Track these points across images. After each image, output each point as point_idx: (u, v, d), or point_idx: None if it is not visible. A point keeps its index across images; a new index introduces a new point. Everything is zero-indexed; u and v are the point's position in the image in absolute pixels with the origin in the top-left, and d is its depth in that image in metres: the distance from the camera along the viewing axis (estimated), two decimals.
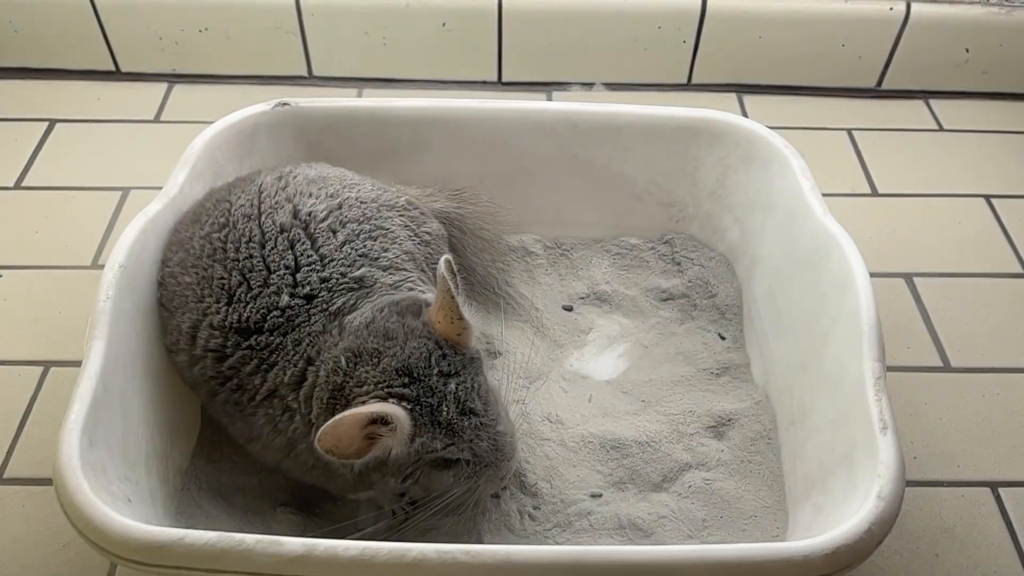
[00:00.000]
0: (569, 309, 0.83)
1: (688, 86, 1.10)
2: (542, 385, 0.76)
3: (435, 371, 0.57)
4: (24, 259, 0.87)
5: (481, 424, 0.58)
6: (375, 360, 0.57)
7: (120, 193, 0.94)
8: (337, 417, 0.53)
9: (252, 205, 0.65)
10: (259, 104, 0.80)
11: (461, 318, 0.57)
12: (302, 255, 0.62)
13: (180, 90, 1.08)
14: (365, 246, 0.64)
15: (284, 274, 0.61)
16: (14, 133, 1.01)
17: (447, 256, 0.57)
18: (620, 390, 0.75)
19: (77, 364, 0.60)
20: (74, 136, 1.02)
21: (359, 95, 1.08)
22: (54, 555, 0.65)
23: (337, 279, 0.61)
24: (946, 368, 0.81)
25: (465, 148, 0.82)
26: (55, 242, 0.89)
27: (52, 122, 1.03)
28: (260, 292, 0.61)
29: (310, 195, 0.66)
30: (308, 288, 0.61)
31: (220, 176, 0.75)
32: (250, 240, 0.62)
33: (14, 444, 0.72)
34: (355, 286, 0.62)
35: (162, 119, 1.04)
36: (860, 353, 0.60)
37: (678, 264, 0.85)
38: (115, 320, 0.60)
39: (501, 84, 1.10)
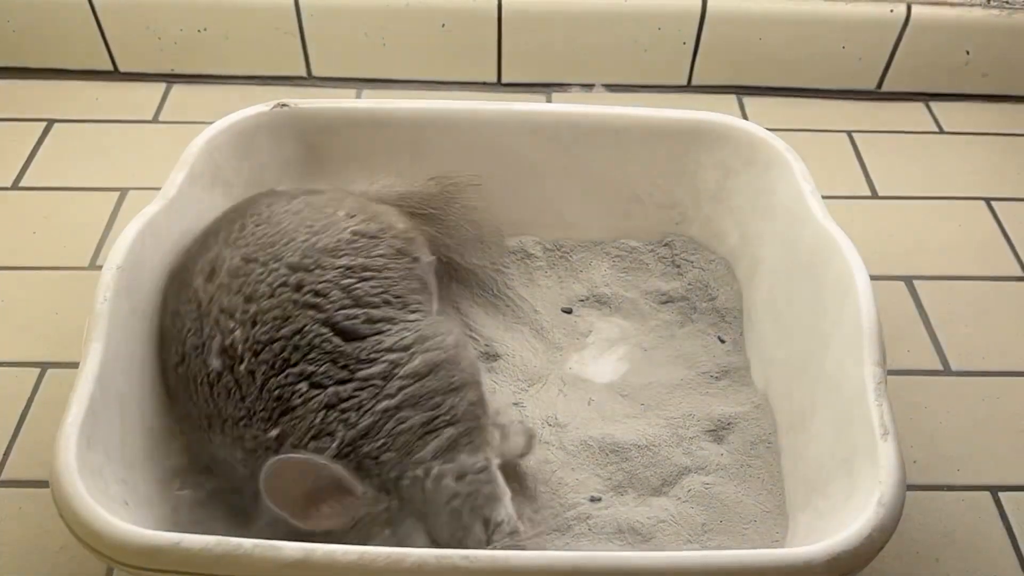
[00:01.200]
0: (568, 311, 0.82)
1: (688, 87, 1.10)
2: (541, 388, 0.75)
3: None
4: (21, 260, 0.87)
5: None
6: None
7: (118, 194, 0.94)
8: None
9: (196, 333, 0.60)
10: (258, 105, 0.79)
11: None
12: (237, 408, 0.58)
13: (179, 90, 1.08)
14: (279, 384, 0.58)
15: (232, 426, 0.59)
16: (12, 133, 1.01)
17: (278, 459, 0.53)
18: (619, 393, 0.75)
19: (75, 366, 0.59)
20: (72, 136, 1.01)
21: (358, 96, 1.08)
22: (52, 558, 0.65)
23: (260, 440, 0.58)
24: (946, 372, 0.80)
25: (465, 150, 0.82)
26: (53, 243, 0.89)
27: (50, 122, 1.02)
28: (221, 442, 0.59)
29: (231, 314, 0.59)
30: (250, 447, 0.58)
31: (218, 177, 0.75)
32: (200, 383, 0.59)
33: (11, 446, 0.72)
34: (274, 446, 0.57)
35: (161, 119, 1.04)
36: (861, 358, 0.59)
37: (678, 267, 0.85)
38: (113, 322, 0.60)
39: (501, 85, 1.09)
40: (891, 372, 0.73)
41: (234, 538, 0.48)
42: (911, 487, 0.71)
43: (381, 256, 0.64)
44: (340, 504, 0.54)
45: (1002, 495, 0.71)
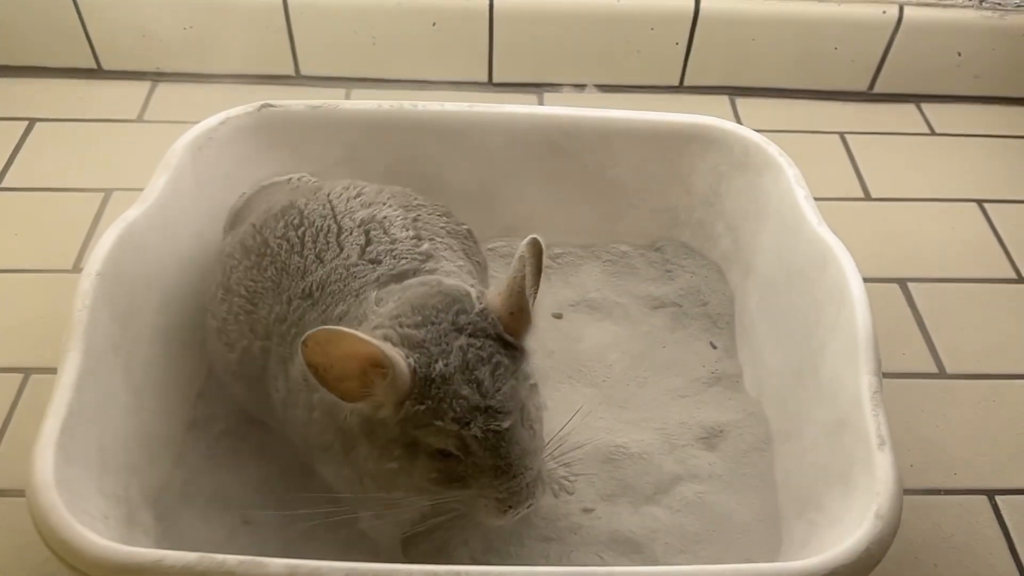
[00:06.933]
0: (559, 316, 0.81)
1: (680, 88, 1.09)
2: None
3: (448, 319, 0.52)
4: (3, 262, 0.85)
5: (482, 408, 0.50)
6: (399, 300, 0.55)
7: (102, 195, 0.92)
8: (338, 329, 0.49)
9: (326, 207, 0.65)
10: (242, 106, 0.78)
11: (521, 292, 0.53)
12: (375, 238, 0.63)
13: (163, 89, 1.06)
14: (435, 247, 0.65)
15: (355, 246, 0.63)
16: None
17: (535, 236, 0.54)
18: (610, 400, 0.74)
19: None
20: (55, 136, 0.99)
21: (347, 95, 1.06)
22: (36, 569, 0.63)
23: (403, 251, 0.62)
24: (941, 375, 0.80)
25: (454, 152, 0.81)
26: (35, 245, 0.87)
27: (32, 121, 1.01)
28: (333, 260, 0.62)
29: (384, 203, 0.67)
30: (375, 254, 0.62)
31: (201, 180, 0.73)
32: (328, 232, 0.64)
33: None
34: (421, 256, 0.62)
35: (145, 119, 1.03)
36: (857, 367, 0.59)
37: (669, 271, 0.84)
38: (91, 330, 0.59)
39: (492, 85, 1.08)
40: (886, 375, 0.72)
41: (217, 555, 0.47)
42: (907, 491, 0.70)
43: (479, 263, 0.72)
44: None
45: (999, 499, 0.71)
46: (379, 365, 0.50)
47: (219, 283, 0.66)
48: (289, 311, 0.61)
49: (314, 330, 0.49)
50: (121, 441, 0.60)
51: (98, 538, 0.48)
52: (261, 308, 0.63)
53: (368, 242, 0.63)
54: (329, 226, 0.64)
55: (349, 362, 0.50)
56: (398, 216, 0.66)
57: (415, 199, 0.70)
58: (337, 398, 0.52)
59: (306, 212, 0.65)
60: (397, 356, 0.51)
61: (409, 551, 0.64)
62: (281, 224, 0.65)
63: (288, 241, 0.64)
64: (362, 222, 0.64)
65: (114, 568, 0.47)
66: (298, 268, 0.62)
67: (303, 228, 0.64)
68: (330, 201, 0.66)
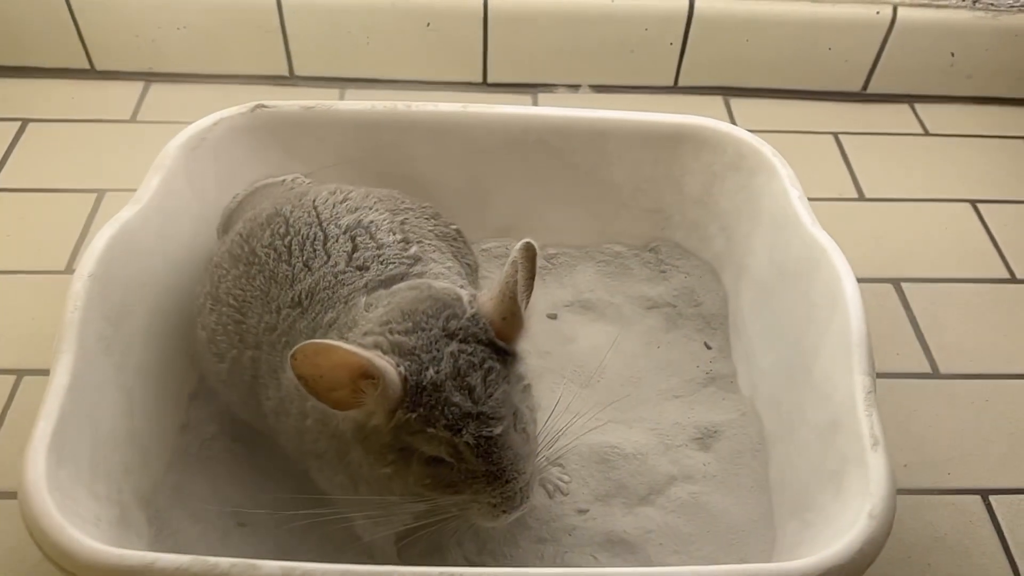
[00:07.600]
0: (553, 317, 0.82)
1: (675, 88, 1.09)
2: None
3: (438, 325, 0.53)
4: None
5: (474, 415, 0.51)
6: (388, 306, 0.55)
7: (95, 195, 0.92)
8: (328, 342, 0.49)
9: (311, 215, 0.65)
10: (236, 107, 0.78)
11: (513, 298, 0.53)
12: (361, 244, 0.63)
13: (157, 89, 1.06)
14: (423, 250, 0.65)
15: (342, 253, 0.62)
16: None
17: (529, 240, 0.53)
18: (605, 401, 0.74)
19: None
20: (48, 136, 0.99)
21: (341, 96, 1.06)
22: (30, 570, 0.63)
23: (391, 256, 0.62)
24: (935, 375, 0.80)
25: (448, 153, 0.81)
26: (28, 246, 0.87)
27: (25, 122, 1.00)
28: (320, 267, 0.62)
29: (370, 208, 0.67)
30: (362, 260, 0.62)
31: (194, 180, 0.73)
32: (314, 240, 0.63)
33: None
34: (409, 260, 0.63)
35: (138, 119, 1.02)
36: (850, 367, 0.59)
37: (663, 272, 0.84)
38: (84, 332, 0.58)
39: (486, 85, 1.08)
40: (880, 375, 0.73)
41: (211, 557, 0.47)
42: (901, 491, 0.70)
43: (468, 264, 0.72)
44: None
45: (992, 498, 0.71)
46: (369, 375, 0.50)
47: (207, 293, 0.66)
48: (279, 320, 0.61)
49: (302, 343, 0.49)
50: (114, 443, 0.60)
51: (90, 541, 0.48)
52: (250, 318, 0.63)
53: (355, 248, 0.63)
54: (315, 233, 0.64)
55: (339, 373, 0.50)
56: (385, 220, 0.66)
57: (402, 202, 0.70)
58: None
59: (291, 220, 0.65)
60: (387, 365, 0.51)
61: (403, 552, 0.64)
62: (267, 233, 0.65)
63: (275, 250, 0.64)
64: (348, 228, 0.64)
65: (106, 571, 0.47)
66: (286, 277, 0.62)
67: (289, 237, 0.64)
68: (315, 208, 0.66)
